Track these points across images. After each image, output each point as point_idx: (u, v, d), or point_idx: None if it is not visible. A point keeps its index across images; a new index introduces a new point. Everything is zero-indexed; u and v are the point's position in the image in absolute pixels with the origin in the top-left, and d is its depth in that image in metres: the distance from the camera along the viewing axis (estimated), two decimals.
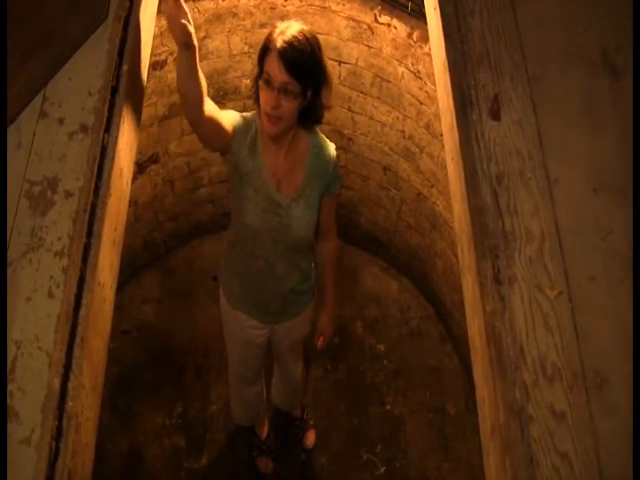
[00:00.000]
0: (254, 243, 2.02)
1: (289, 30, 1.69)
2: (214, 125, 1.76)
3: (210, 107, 1.72)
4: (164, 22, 2.69)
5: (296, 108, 1.76)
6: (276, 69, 1.68)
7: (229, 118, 1.85)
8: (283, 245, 2.01)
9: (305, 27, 1.74)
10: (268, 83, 1.71)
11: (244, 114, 1.92)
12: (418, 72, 2.72)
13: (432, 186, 3.02)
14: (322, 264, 2.27)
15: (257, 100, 1.82)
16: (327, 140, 2.00)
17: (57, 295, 1.12)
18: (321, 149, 1.96)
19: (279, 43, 1.67)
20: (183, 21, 1.47)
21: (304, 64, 1.69)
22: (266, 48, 1.71)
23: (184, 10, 1.46)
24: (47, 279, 1.14)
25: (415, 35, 2.62)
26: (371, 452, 2.99)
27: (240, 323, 2.30)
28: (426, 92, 2.74)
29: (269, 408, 2.95)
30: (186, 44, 1.52)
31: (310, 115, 1.85)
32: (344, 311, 3.41)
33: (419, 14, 2.50)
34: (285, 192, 1.93)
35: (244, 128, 1.87)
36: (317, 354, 3.18)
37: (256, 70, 1.79)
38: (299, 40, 1.68)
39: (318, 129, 2.00)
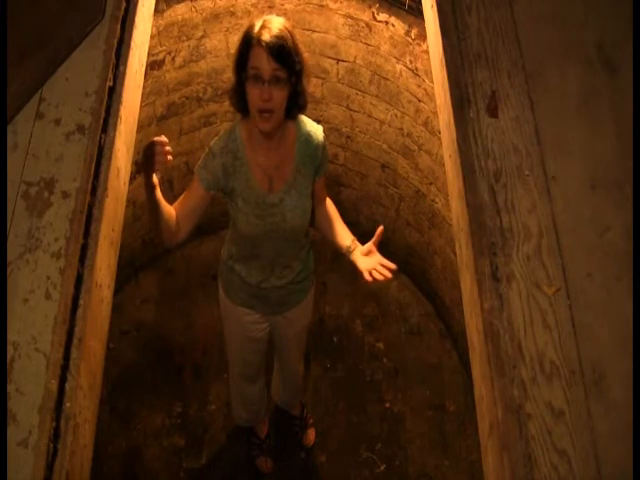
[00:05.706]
0: (253, 246, 2.06)
1: (269, 23, 1.73)
2: (194, 216, 1.96)
3: (180, 216, 1.94)
4: (161, 22, 2.69)
5: (285, 97, 1.78)
6: (264, 60, 1.71)
7: (195, 189, 1.95)
8: (282, 240, 2.03)
9: (281, 18, 1.78)
10: (257, 78, 1.73)
11: (218, 138, 1.94)
12: (416, 69, 2.72)
13: (431, 183, 3.02)
14: (326, 223, 2.20)
15: (239, 107, 1.85)
16: (314, 124, 2.00)
17: (54, 296, 1.12)
18: (308, 135, 1.97)
19: (263, 36, 1.70)
20: (167, 149, 1.66)
21: (289, 50, 1.73)
22: (248, 45, 1.73)
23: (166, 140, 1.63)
24: (44, 280, 1.13)
25: (413, 32, 2.62)
26: (371, 450, 2.99)
27: (241, 318, 2.30)
28: (424, 89, 2.74)
29: (269, 407, 2.94)
30: (155, 181, 1.72)
31: (296, 102, 1.86)
32: (343, 310, 3.40)
33: (417, 11, 2.49)
34: (277, 187, 1.95)
35: (219, 158, 1.90)
36: (317, 352, 3.19)
37: (235, 77, 1.80)
38: (280, 29, 1.73)
39: (304, 116, 2.00)
